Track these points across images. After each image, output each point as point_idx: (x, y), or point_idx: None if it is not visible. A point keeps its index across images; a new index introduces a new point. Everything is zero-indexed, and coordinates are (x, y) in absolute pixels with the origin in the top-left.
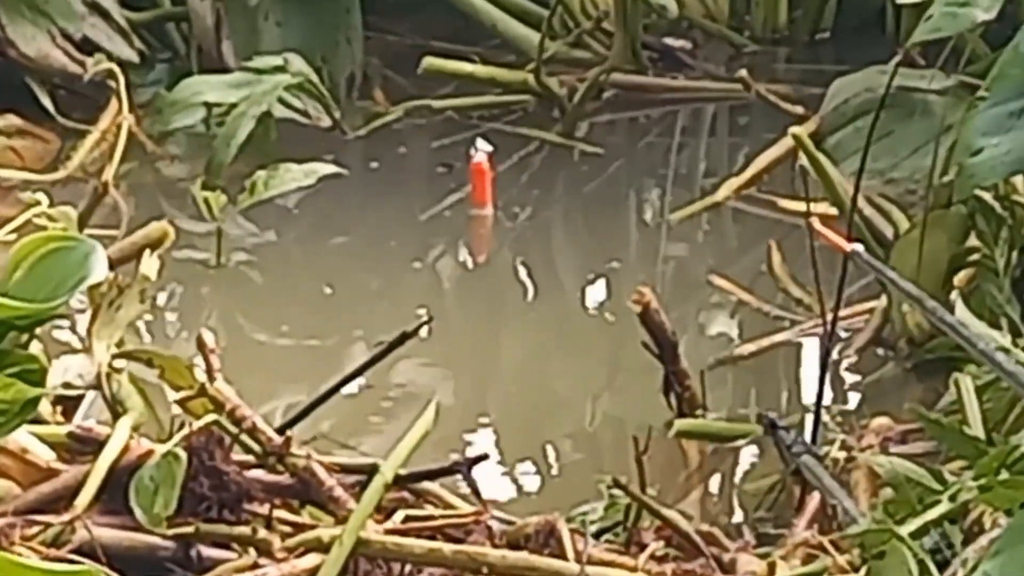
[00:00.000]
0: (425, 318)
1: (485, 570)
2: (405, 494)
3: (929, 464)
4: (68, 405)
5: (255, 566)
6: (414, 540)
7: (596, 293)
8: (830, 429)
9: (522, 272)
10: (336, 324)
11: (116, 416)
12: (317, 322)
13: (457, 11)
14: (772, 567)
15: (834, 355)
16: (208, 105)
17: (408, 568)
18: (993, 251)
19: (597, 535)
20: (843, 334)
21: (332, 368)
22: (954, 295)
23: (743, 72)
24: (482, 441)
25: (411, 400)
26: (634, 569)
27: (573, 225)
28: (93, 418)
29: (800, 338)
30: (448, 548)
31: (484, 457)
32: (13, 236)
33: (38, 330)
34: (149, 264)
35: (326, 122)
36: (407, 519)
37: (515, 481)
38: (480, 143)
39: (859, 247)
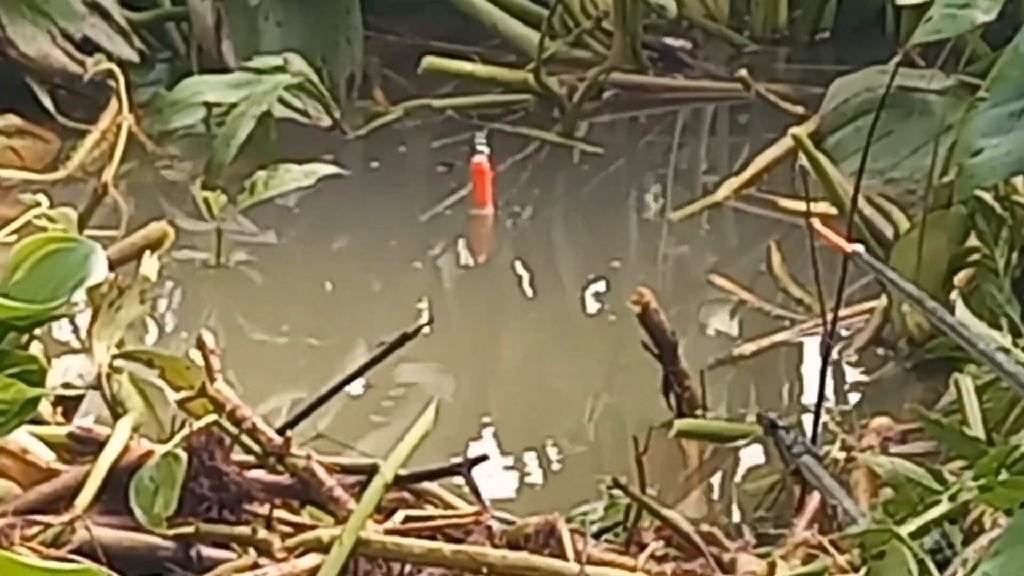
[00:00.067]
0: (426, 319)
1: (485, 570)
2: (405, 494)
3: (929, 464)
4: (68, 405)
5: (255, 566)
6: (414, 540)
7: (596, 293)
8: (830, 429)
9: (522, 272)
10: (336, 324)
11: (116, 416)
12: (317, 322)
13: (457, 11)
14: (772, 567)
15: (834, 355)
16: (208, 105)
17: (408, 568)
18: (993, 251)
19: (597, 535)
20: (843, 333)
21: (332, 368)
22: (954, 295)
23: (743, 72)
24: (482, 441)
25: (412, 399)
26: (634, 569)
27: (573, 225)
28: (92, 414)
29: (800, 338)
30: (448, 548)
31: (484, 458)
32: (14, 237)
33: (39, 330)
34: (149, 265)
35: (326, 122)
36: (407, 519)
37: (515, 481)
38: (480, 143)
39: (859, 247)
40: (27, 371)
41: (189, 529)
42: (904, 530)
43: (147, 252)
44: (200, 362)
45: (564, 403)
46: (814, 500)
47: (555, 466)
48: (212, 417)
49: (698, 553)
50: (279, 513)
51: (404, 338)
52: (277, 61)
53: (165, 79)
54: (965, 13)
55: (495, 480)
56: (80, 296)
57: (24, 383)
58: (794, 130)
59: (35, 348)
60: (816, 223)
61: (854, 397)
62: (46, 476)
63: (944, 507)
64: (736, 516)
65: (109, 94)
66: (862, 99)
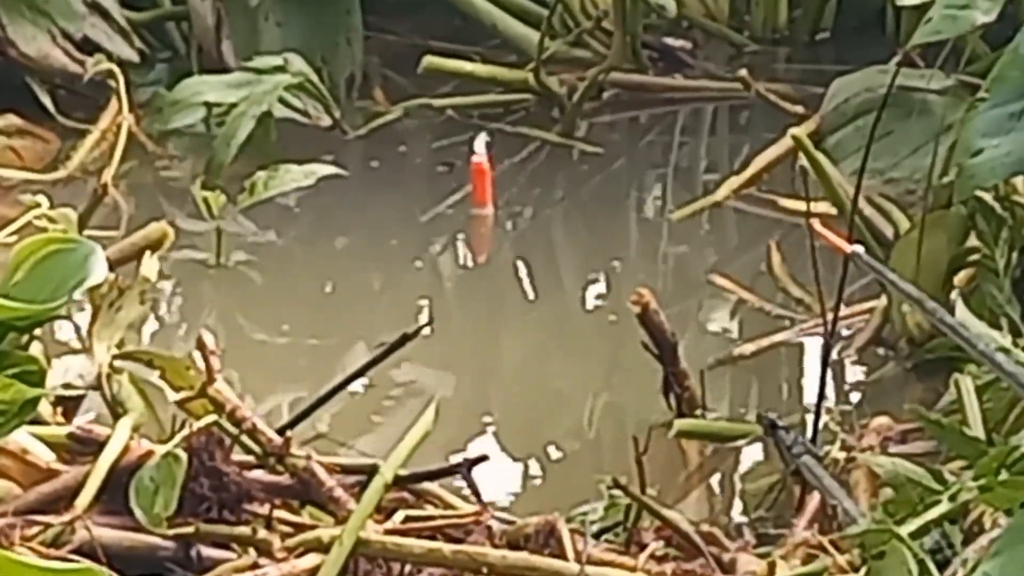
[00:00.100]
0: (426, 319)
1: (485, 570)
2: (405, 494)
3: (929, 464)
4: (68, 406)
5: (255, 566)
6: (414, 540)
7: (596, 292)
8: (830, 429)
9: (522, 272)
10: (336, 324)
11: (116, 417)
12: (317, 322)
13: (457, 11)
14: (772, 567)
15: (834, 355)
16: (208, 105)
17: (408, 568)
18: (993, 251)
19: (597, 535)
20: (844, 333)
21: (332, 368)
22: (954, 295)
23: (743, 71)
24: (483, 441)
25: (412, 399)
26: (634, 569)
27: (573, 224)
28: (93, 411)
29: (800, 338)
30: (448, 548)
31: (484, 458)
32: (14, 238)
33: (39, 330)
34: (149, 266)
35: (326, 122)
36: (407, 519)
37: (515, 481)
38: (480, 143)
39: (859, 248)
40: (27, 371)
41: (189, 529)
42: (904, 530)
43: (147, 253)
44: (200, 362)
45: (564, 403)
46: (814, 500)
47: (555, 466)
48: (212, 417)
49: (698, 553)
50: (279, 513)
51: (404, 338)
52: (277, 61)
53: (165, 79)
54: (965, 14)
55: (495, 480)
56: (80, 295)
57: (24, 383)
58: (794, 130)
59: (35, 348)
60: (816, 224)
61: (854, 397)
62: (46, 476)
63: (944, 507)
64: (736, 516)
65: (109, 94)
66: (862, 99)
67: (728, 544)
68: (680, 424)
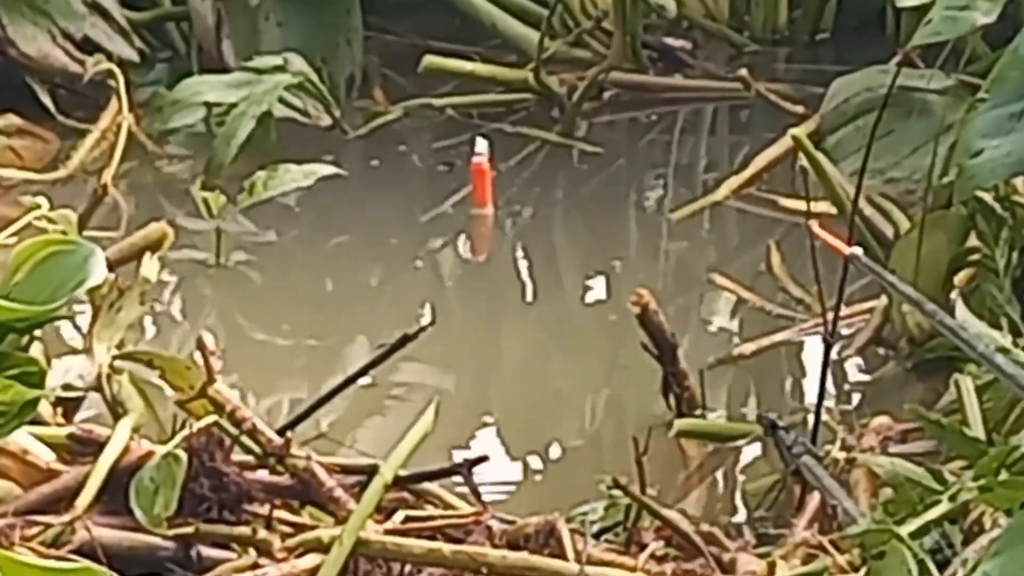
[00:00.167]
0: (426, 320)
1: (485, 570)
2: (405, 494)
3: (929, 464)
4: (68, 406)
5: (255, 566)
6: (414, 540)
7: (597, 292)
8: (831, 428)
9: (522, 271)
10: (336, 323)
11: (116, 417)
12: (317, 321)
13: (457, 11)
14: (772, 567)
15: (834, 354)
16: (208, 105)
17: (408, 568)
18: (993, 251)
19: (597, 535)
20: (844, 333)
21: (333, 367)
22: (954, 295)
23: (743, 71)
24: (482, 440)
25: (412, 399)
26: (634, 569)
27: (573, 224)
28: (93, 409)
29: (800, 337)
30: (448, 548)
31: (484, 458)
32: (14, 239)
33: (40, 331)
34: (149, 266)
35: (326, 121)
36: (407, 519)
37: (515, 481)
38: (480, 143)
39: (858, 250)
40: (26, 372)
41: (189, 529)
42: (904, 530)
43: (147, 253)
44: (201, 363)
45: (564, 403)
46: (814, 500)
47: (555, 466)
48: (212, 418)
49: (698, 553)
50: (279, 513)
51: (405, 339)
52: (277, 61)
53: (165, 79)
54: (965, 15)
55: (495, 480)
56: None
57: (23, 385)
58: (794, 131)
59: (36, 349)
60: (815, 226)
61: (854, 397)
62: (46, 477)
63: (944, 507)
64: (736, 516)
65: (109, 94)
66: (862, 99)
67: (728, 544)
68: (680, 424)
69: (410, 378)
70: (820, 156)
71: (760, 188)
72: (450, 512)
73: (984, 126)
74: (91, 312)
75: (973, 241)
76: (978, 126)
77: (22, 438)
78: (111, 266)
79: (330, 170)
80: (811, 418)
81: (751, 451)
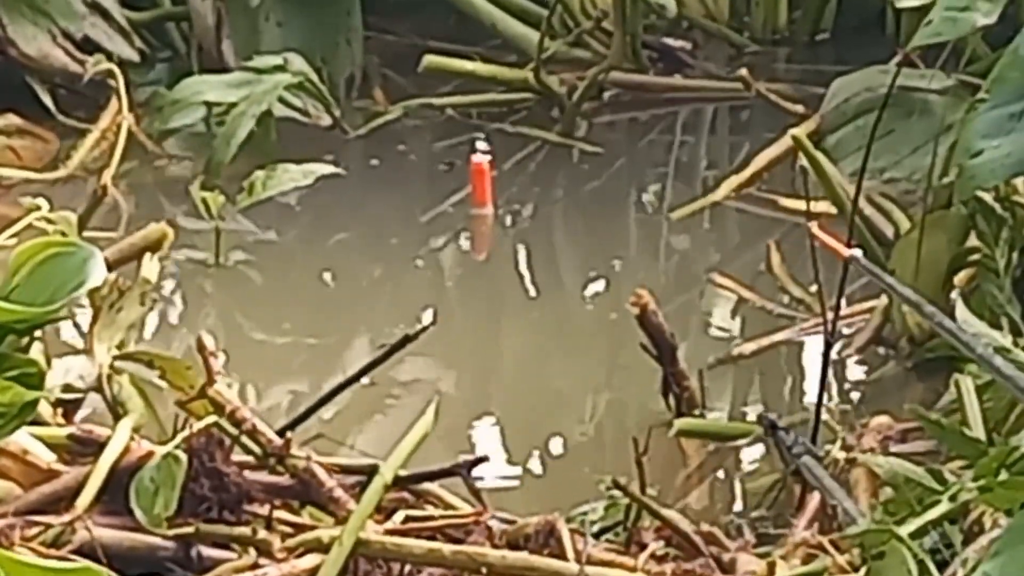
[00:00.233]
0: (426, 319)
1: (485, 570)
2: (405, 494)
3: (930, 463)
4: (69, 407)
5: (255, 566)
6: (414, 540)
7: (596, 292)
8: (831, 428)
9: (522, 271)
10: (336, 322)
11: (117, 417)
12: (317, 320)
13: (457, 11)
14: (772, 567)
15: (835, 354)
16: (208, 104)
17: (408, 568)
18: (993, 251)
19: (597, 535)
20: (844, 332)
21: (332, 366)
22: (954, 295)
23: (743, 71)
24: (482, 440)
25: (412, 398)
26: (634, 569)
27: (573, 224)
28: (93, 408)
29: (800, 337)
30: (448, 548)
31: (484, 459)
32: (14, 241)
33: (39, 331)
34: (150, 267)
35: (326, 121)
36: (407, 519)
37: (515, 480)
38: (480, 143)
39: (858, 252)
40: (26, 374)
41: (189, 529)
42: (904, 530)
43: (147, 254)
44: (201, 363)
45: (564, 402)
46: (814, 500)
47: (555, 466)
48: (212, 418)
49: (698, 553)
50: (279, 514)
51: (406, 340)
52: (277, 61)
53: (165, 79)
54: (965, 16)
55: (494, 480)
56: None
57: (23, 386)
58: (793, 131)
59: (36, 349)
60: (815, 228)
61: (855, 396)
62: (47, 477)
63: (944, 507)
64: (736, 516)
65: (109, 94)
66: (862, 98)
67: (728, 544)
68: (680, 423)
69: (410, 378)
70: (820, 156)
71: (760, 188)
72: (450, 512)
73: (984, 126)
74: (91, 312)
75: (973, 241)
76: (978, 126)
77: (22, 438)
78: (111, 266)
79: (329, 169)
80: (811, 418)
81: (751, 451)
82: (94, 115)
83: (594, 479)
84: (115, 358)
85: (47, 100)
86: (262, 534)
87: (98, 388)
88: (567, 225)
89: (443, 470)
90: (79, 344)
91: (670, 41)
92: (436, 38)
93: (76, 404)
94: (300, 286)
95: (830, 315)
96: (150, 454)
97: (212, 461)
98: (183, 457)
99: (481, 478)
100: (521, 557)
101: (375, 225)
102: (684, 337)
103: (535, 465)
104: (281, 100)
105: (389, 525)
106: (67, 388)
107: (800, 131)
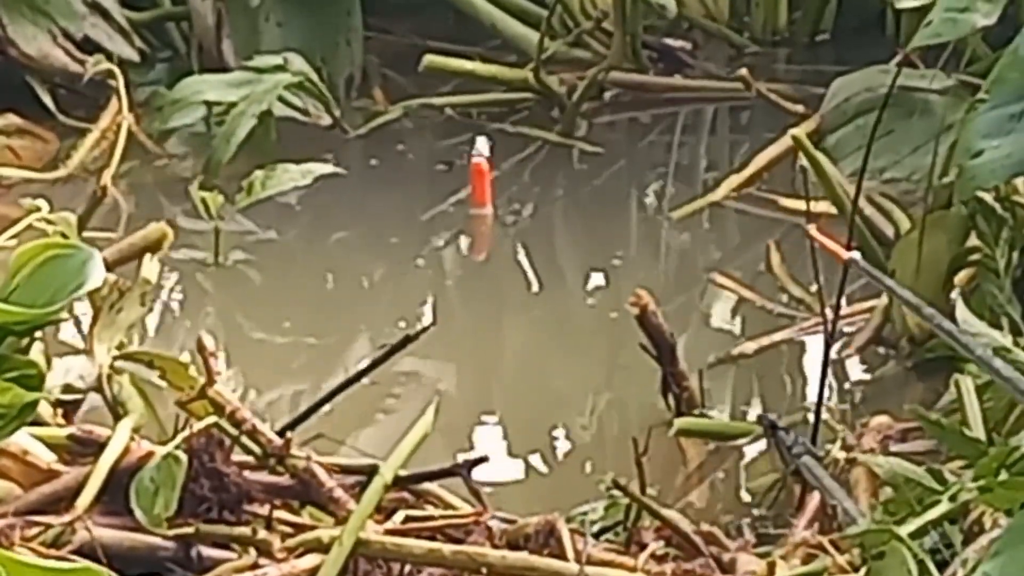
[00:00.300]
0: (427, 320)
1: (485, 570)
2: (405, 494)
3: (930, 463)
4: (69, 407)
5: (255, 566)
6: (414, 540)
7: (596, 291)
8: (831, 427)
9: (521, 270)
10: (336, 322)
11: (117, 418)
12: (317, 320)
13: (457, 11)
14: (772, 567)
15: (835, 354)
16: (208, 104)
17: (408, 568)
18: (994, 251)
19: (597, 535)
20: (845, 330)
21: (332, 366)
22: (955, 295)
23: (744, 71)
24: (482, 440)
25: (413, 397)
26: (634, 569)
27: (573, 224)
28: (93, 408)
29: (801, 337)
30: (448, 548)
31: (483, 459)
32: (14, 242)
33: (39, 332)
34: (150, 267)
35: (326, 120)
36: (407, 519)
37: (515, 480)
38: (480, 143)
39: (856, 255)
40: (26, 375)
41: (189, 530)
42: (904, 530)
43: (147, 254)
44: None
45: (564, 402)
46: (814, 500)
47: (555, 466)
48: (212, 419)
49: (698, 553)
50: (279, 514)
51: (407, 340)
52: (277, 60)
53: (165, 79)
54: (965, 17)
55: (494, 480)
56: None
57: (22, 387)
58: (793, 131)
59: (36, 349)
60: (813, 229)
61: (855, 396)
62: (47, 477)
63: (944, 507)
64: (736, 516)
65: (109, 94)
66: (862, 98)
67: (728, 544)
68: (680, 423)
69: (410, 378)
70: (820, 156)
71: (760, 188)
72: (450, 512)
73: (984, 127)
74: (91, 313)
75: (973, 241)
76: (978, 127)
77: (23, 439)
78: (111, 267)
79: (328, 169)
80: (811, 417)
81: (751, 451)
82: (94, 115)
83: (594, 479)
84: (115, 358)
85: (47, 100)
86: (262, 534)
87: (98, 388)
88: (567, 225)
89: (443, 470)
90: (79, 344)
91: (670, 41)
92: (436, 38)
93: (76, 404)
94: (300, 285)
95: (830, 315)
96: (150, 454)
97: (212, 461)
98: (183, 457)
99: (481, 478)
100: (521, 557)
101: (375, 224)
102: (684, 337)
103: (535, 465)
104: (281, 100)
105: (389, 525)
106: (67, 388)
107: (800, 131)
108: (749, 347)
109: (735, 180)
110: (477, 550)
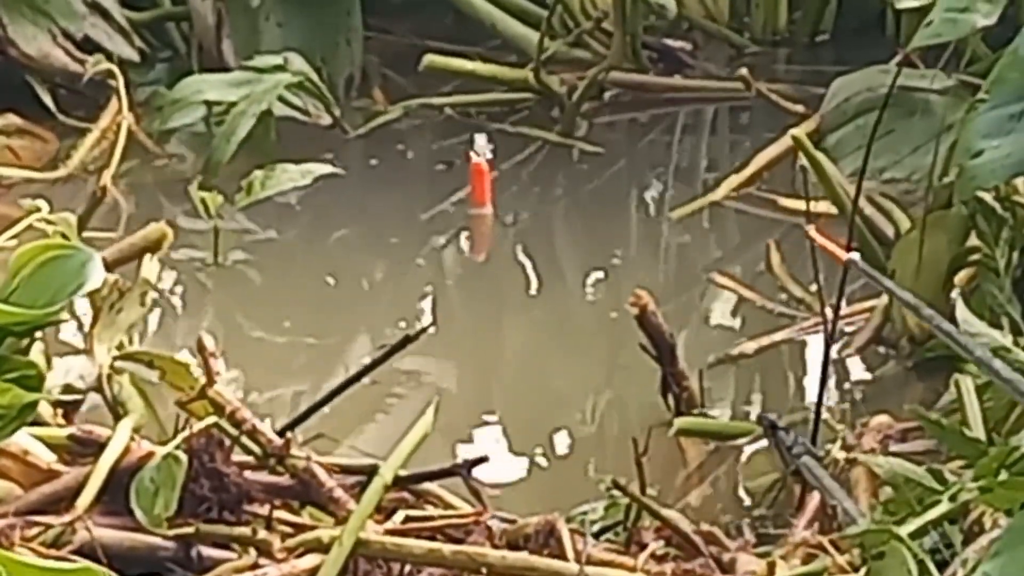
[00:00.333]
0: (427, 319)
1: (485, 570)
2: (405, 494)
3: (930, 462)
4: (69, 407)
5: (255, 566)
6: (414, 540)
7: (597, 291)
8: (831, 427)
9: (520, 270)
10: (336, 321)
11: (117, 418)
12: (317, 320)
13: (457, 11)
14: (772, 567)
15: (835, 353)
16: (208, 103)
17: (408, 568)
18: (994, 251)
19: (597, 535)
20: (845, 330)
21: (332, 365)
22: (955, 295)
23: (744, 71)
24: (481, 439)
25: (413, 397)
26: (634, 569)
27: (573, 223)
28: (94, 407)
29: (801, 337)
30: (448, 548)
31: (483, 459)
32: (14, 242)
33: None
34: (150, 268)
35: (326, 120)
36: (407, 519)
37: (515, 480)
38: (479, 143)
39: (856, 256)
40: (26, 376)
41: (189, 530)
42: (904, 530)
43: (147, 254)
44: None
45: (564, 402)
46: (814, 500)
47: (555, 466)
48: (212, 419)
49: (698, 553)
50: (279, 514)
51: (407, 340)
52: (277, 60)
53: (165, 78)
54: (965, 17)
55: (494, 479)
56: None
57: (22, 388)
58: (793, 131)
59: (36, 349)
60: (813, 231)
61: (855, 396)
62: (47, 477)
63: (944, 507)
64: (736, 516)
65: (109, 93)
66: (863, 98)
67: (728, 544)
68: (680, 423)
69: (410, 377)
70: (820, 156)
71: (760, 188)
72: (450, 512)
73: (984, 127)
74: (91, 312)
75: (974, 241)
76: (978, 127)
77: (23, 439)
78: (110, 267)
79: (328, 169)
80: (811, 418)
81: (751, 451)
82: (94, 115)
83: (594, 479)
84: (115, 358)
85: (47, 100)
86: (262, 534)
87: (98, 388)
88: (567, 225)
89: (443, 470)
90: (79, 344)
91: (670, 41)
92: (436, 38)
93: (76, 404)
94: (300, 285)
95: (830, 315)
96: (150, 454)
97: (212, 461)
98: (183, 457)
99: (481, 478)
100: (521, 557)
101: (375, 225)
102: (683, 337)
103: (535, 465)
104: (281, 99)
105: (389, 525)
106: (67, 388)
107: (800, 131)
108: (749, 347)
109: (735, 180)
110: (477, 550)
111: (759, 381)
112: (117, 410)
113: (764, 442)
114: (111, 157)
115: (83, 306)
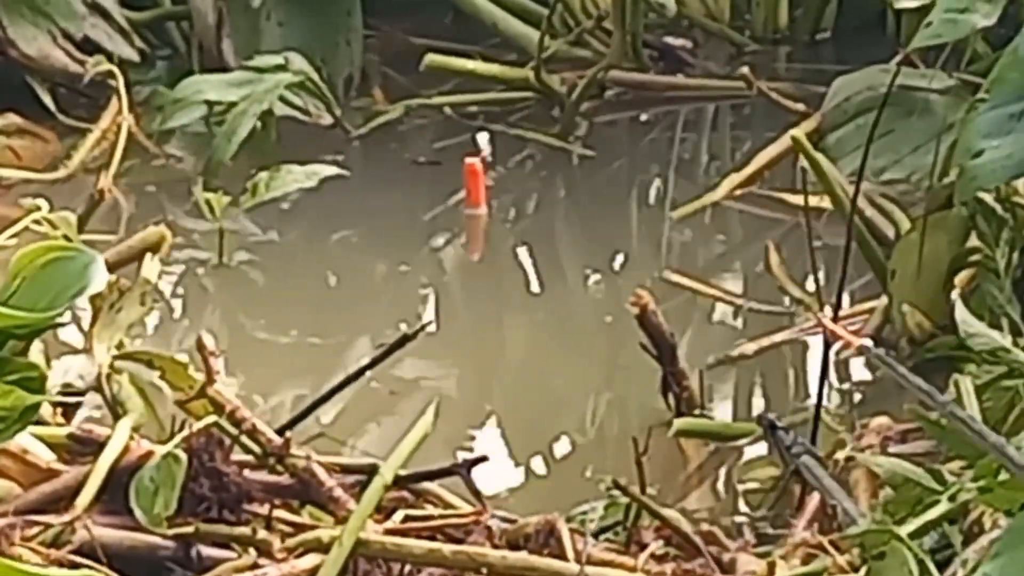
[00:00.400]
0: (425, 321)
1: (485, 570)
2: (405, 494)
3: (930, 463)
4: (69, 406)
5: (255, 566)
6: (414, 540)
7: (595, 291)
8: (831, 428)
9: (521, 270)
10: (336, 321)
11: (116, 417)
12: (319, 320)
13: (457, 10)
14: (772, 567)
15: (835, 354)
16: (209, 103)
17: (408, 568)
18: (994, 252)
19: (597, 535)
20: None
21: (334, 366)
22: (955, 295)
23: (745, 69)
24: (481, 439)
25: (413, 397)
26: (634, 569)
27: (573, 223)
28: (93, 407)
29: (800, 337)
30: (448, 548)
31: (483, 459)
32: (14, 242)
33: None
34: (150, 268)
35: (327, 120)
36: (407, 519)
37: (515, 480)
38: (479, 141)
39: (869, 342)
40: (27, 378)
41: (189, 529)
42: (904, 530)
43: (148, 255)
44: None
45: (564, 402)
46: (814, 500)
47: (555, 466)
48: (212, 418)
49: (698, 553)
50: (279, 513)
51: (404, 339)
52: (278, 60)
53: (165, 78)
54: (965, 18)
55: (494, 480)
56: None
57: (24, 390)
58: (793, 132)
59: (36, 349)
60: (825, 319)
61: (855, 396)
62: (46, 476)
63: (944, 507)
64: (736, 516)
65: (109, 94)
66: (863, 97)
67: (728, 544)
68: (679, 423)
69: (410, 378)
70: (820, 157)
71: (761, 187)
72: (450, 512)
73: (984, 127)
74: (91, 312)
75: (974, 241)
76: (978, 126)
77: (22, 438)
78: (111, 268)
79: (332, 170)
80: (811, 418)
81: (751, 451)
82: (94, 115)
83: (594, 479)
84: (115, 358)
85: (47, 100)
86: (262, 534)
87: (98, 388)
88: (566, 224)
89: (443, 470)
90: (79, 344)
91: (671, 40)
92: (436, 37)
93: (76, 404)
94: (301, 285)
95: (830, 315)
96: (150, 454)
97: (212, 461)
98: (183, 457)
99: (480, 478)
100: (521, 557)
101: (375, 225)
102: (684, 337)
103: (535, 465)
104: (282, 99)
105: (389, 525)
106: (67, 388)
107: (800, 131)
108: (749, 347)
109: (735, 179)
110: (477, 550)
111: (759, 382)
112: (117, 410)
113: (764, 442)
114: (111, 157)
115: (82, 306)
